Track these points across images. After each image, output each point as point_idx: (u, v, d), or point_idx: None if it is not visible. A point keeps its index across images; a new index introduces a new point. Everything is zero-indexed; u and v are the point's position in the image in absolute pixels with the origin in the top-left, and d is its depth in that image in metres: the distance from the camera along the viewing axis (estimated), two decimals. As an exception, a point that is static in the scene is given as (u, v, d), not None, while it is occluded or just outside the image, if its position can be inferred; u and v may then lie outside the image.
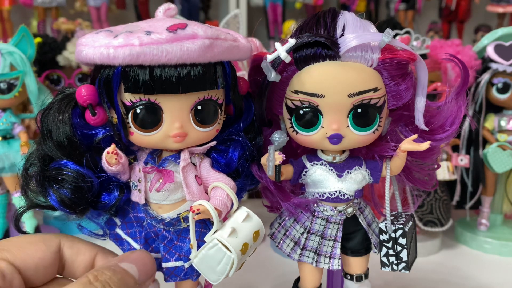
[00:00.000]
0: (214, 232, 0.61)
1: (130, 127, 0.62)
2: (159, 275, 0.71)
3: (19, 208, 0.65)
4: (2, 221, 1.20)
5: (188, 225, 0.64)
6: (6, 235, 1.21)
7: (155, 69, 0.57)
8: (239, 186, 0.69)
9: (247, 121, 0.69)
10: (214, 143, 0.67)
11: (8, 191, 1.20)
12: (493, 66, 1.18)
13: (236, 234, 0.61)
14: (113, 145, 0.61)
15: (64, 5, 1.86)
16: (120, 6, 2.03)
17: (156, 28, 0.57)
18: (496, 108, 1.23)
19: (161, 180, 0.64)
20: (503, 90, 1.19)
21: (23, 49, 1.13)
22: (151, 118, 0.60)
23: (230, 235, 0.60)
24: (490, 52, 1.19)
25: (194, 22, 0.60)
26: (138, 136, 0.62)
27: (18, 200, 1.18)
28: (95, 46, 0.57)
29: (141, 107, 0.60)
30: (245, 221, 0.63)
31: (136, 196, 0.67)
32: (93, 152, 0.64)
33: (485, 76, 1.19)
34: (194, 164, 0.66)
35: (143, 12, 2.01)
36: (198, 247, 0.63)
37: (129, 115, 0.61)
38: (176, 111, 0.61)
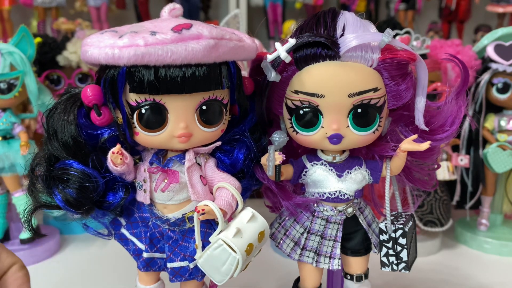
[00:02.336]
0: (219, 233, 0.61)
1: (135, 127, 0.62)
2: (164, 275, 0.71)
3: (27, 207, 0.65)
4: (2, 221, 1.20)
5: (193, 225, 0.64)
6: (6, 235, 1.21)
7: (160, 70, 0.57)
8: (244, 187, 0.69)
9: (252, 121, 0.69)
10: (219, 143, 0.67)
11: (8, 191, 1.20)
12: (493, 66, 1.18)
13: (241, 235, 0.61)
14: (118, 145, 0.62)
15: (64, 5, 1.86)
16: (120, 6, 2.02)
17: (161, 28, 0.57)
18: (496, 108, 1.23)
19: (166, 180, 0.64)
20: (503, 90, 1.19)
21: (23, 49, 1.13)
22: (156, 118, 0.61)
23: (235, 235, 0.60)
24: (490, 52, 1.19)
25: (199, 22, 0.60)
26: (143, 136, 0.62)
27: (18, 200, 1.18)
28: (100, 46, 0.57)
29: (146, 107, 0.60)
30: (250, 221, 0.63)
31: (141, 196, 0.67)
32: (99, 152, 0.64)
33: (485, 76, 1.19)
34: (199, 164, 0.66)
35: (143, 12, 2.01)
36: (203, 247, 0.63)
37: (134, 115, 0.61)
38: (181, 111, 0.61)
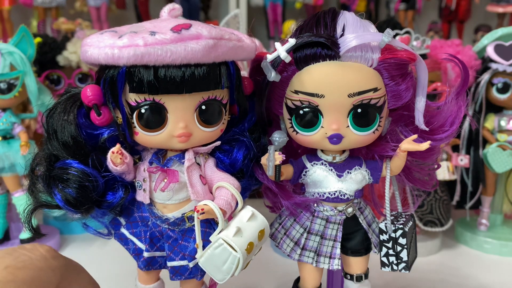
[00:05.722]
0: (220, 232, 0.61)
1: (135, 127, 0.62)
2: (164, 274, 0.71)
3: (27, 207, 0.65)
4: (2, 221, 1.20)
5: (193, 225, 0.64)
6: (6, 235, 1.21)
7: (160, 69, 0.57)
8: (244, 186, 0.69)
9: (251, 121, 0.69)
10: (218, 143, 0.67)
11: (8, 191, 1.20)
12: (493, 66, 1.18)
13: (241, 234, 0.61)
14: (118, 145, 0.62)
15: (64, 5, 1.86)
16: (120, 6, 2.02)
17: (161, 29, 0.57)
18: (496, 108, 1.23)
19: (165, 180, 0.64)
20: (503, 90, 1.19)
21: (23, 49, 1.13)
22: (156, 118, 0.61)
23: (235, 234, 0.61)
24: (490, 52, 1.19)
25: (198, 22, 0.61)
26: (143, 136, 0.62)
27: (18, 200, 1.18)
28: (100, 46, 0.57)
29: (145, 107, 0.60)
30: (250, 220, 0.63)
31: (141, 196, 0.67)
32: (98, 151, 0.64)
33: (485, 76, 1.19)
34: (198, 164, 0.67)
35: (143, 12, 2.01)
36: (203, 247, 0.63)
37: (134, 115, 0.61)
38: (180, 111, 0.61)
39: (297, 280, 0.77)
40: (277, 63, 0.63)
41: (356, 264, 0.74)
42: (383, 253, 0.72)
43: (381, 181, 0.72)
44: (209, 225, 0.67)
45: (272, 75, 0.64)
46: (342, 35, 0.62)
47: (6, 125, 1.13)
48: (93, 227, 0.71)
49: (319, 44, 0.62)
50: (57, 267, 0.40)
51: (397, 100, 0.66)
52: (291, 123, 0.67)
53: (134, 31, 0.57)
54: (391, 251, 0.71)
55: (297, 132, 0.67)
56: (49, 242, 1.20)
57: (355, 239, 0.73)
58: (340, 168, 0.70)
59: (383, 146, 0.70)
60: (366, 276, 0.75)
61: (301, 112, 0.65)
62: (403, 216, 0.74)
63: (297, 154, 0.76)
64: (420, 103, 0.67)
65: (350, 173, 0.70)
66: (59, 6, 1.84)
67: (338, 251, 0.71)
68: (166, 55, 0.55)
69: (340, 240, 0.71)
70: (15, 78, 1.11)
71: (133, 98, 0.60)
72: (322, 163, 0.70)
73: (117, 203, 0.66)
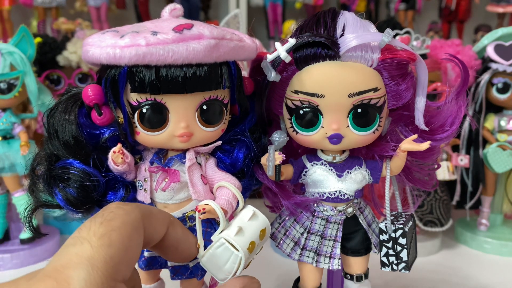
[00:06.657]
0: (221, 232, 0.61)
1: (136, 126, 0.62)
2: (164, 274, 0.71)
3: (27, 206, 0.65)
4: (2, 221, 1.20)
5: (194, 225, 0.64)
6: (6, 235, 1.21)
7: (161, 69, 0.57)
8: (244, 186, 0.69)
9: (252, 121, 0.69)
10: (219, 143, 0.67)
11: (8, 191, 1.20)
12: (493, 66, 1.18)
13: (243, 233, 0.61)
14: (119, 145, 0.62)
15: (64, 5, 1.86)
16: (120, 6, 2.02)
17: (162, 28, 0.58)
18: (496, 108, 1.23)
19: (166, 180, 0.64)
20: (503, 90, 1.19)
21: (23, 49, 1.13)
22: (157, 118, 0.61)
23: (236, 234, 0.61)
24: (490, 52, 1.19)
25: (200, 22, 0.61)
26: (144, 135, 0.62)
27: (18, 200, 1.18)
28: (101, 46, 0.57)
29: (147, 107, 0.60)
30: (251, 219, 0.63)
31: (142, 196, 0.67)
32: (99, 151, 0.64)
33: (485, 76, 1.19)
34: (199, 163, 0.67)
35: (143, 12, 2.01)
36: (205, 246, 0.63)
37: (135, 115, 0.61)
38: (181, 111, 0.61)
39: (297, 280, 0.77)
40: (277, 63, 0.63)
41: (356, 264, 0.74)
42: (383, 253, 0.72)
43: (381, 181, 0.72)
44: (210, 225, 0.67)
45: (272, 75, 0.64)
46: (342, 35, 0.62)
47: (6, 125, 1.14)
48: None
49: (319, 44, 0.62)
50: (133, 210, 0.43)
51: (397, 100, 0.67)
52: (291, 123, 0.67)
53: (136, 31, 0.57)
54: (391, 251, 0.71)
55: (297, 132, 0.67)
56: (49, 242, 1.20)
57: (355, 239, 0.74)
58: (340, 168, 0.70)
59: (383, 146, 0.71)
60: (366, 276, 0.75)
61: (301, 112, 0.65)
62: (403, 216, 0.74)
63: (297, 154, 0.76)
64: (420, 103, 0.67)
65: (350, 173, 0.70)
66: (59, 6, 1.84)
67: (338, 251, 0.71)
68: (168, 55, 0.55)
69: (340, 240, 0.71)
70: (15, 78, 1.11)
71: (134, 97, 0.60)
72: (322, 163, 0.70)
73: None
